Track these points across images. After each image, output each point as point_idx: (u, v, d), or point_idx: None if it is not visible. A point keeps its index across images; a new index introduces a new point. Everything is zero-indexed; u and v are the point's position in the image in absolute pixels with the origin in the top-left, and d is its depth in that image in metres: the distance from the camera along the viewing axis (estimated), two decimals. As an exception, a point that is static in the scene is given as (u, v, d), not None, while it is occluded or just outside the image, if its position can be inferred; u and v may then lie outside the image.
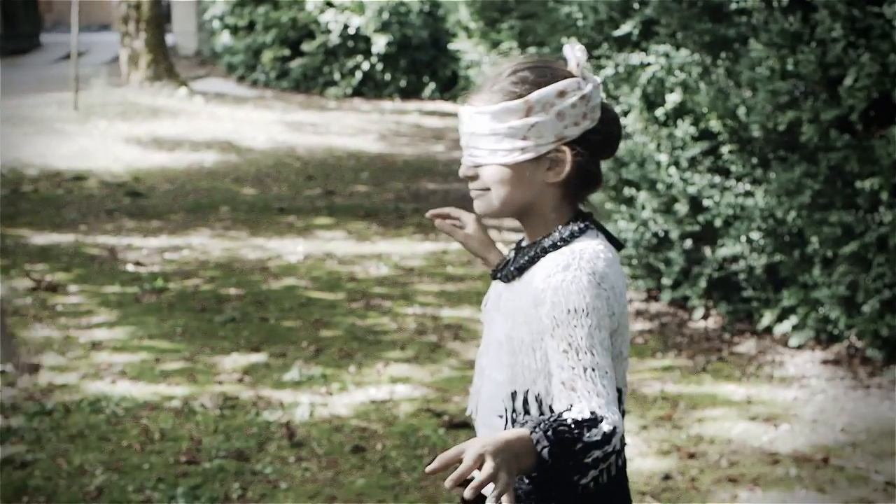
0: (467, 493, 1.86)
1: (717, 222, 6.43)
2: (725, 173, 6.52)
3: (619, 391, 2.17)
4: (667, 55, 6.51)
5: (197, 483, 4.70)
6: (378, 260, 8.44)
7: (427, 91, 20.22)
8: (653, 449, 5.10)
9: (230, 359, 6.18)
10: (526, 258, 2.20)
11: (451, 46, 12.06)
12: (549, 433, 1.92)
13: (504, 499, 1.85)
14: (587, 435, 1.94)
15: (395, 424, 5.35)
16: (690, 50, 6.38)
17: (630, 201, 7.19)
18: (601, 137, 2.14)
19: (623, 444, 2.07)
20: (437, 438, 5.18)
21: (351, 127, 15.76)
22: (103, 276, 7.79)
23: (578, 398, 2.01)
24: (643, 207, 7.03)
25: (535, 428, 1.92)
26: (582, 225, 2.15)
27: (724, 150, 6.50)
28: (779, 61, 5.81)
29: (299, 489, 4.68)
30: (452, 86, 20.80)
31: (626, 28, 6.73)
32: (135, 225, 9.42)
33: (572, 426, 1.94)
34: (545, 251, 2.15)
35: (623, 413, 2.20)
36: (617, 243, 2.21)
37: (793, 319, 6.42)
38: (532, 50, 9.88)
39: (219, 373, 5.98)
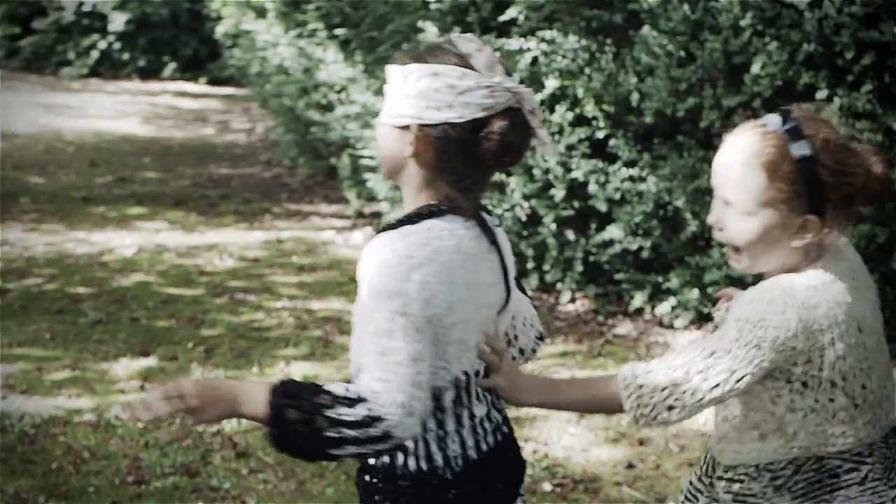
0: (138, 412, 2.02)
1: (603, 207, 6.48)
2: (610, 159, 6.59)
3: (468, 375, 2.14)
4: (551, 41, 6.50)
5: (158, 504, 4.36)
6: (217, 251, 8.08)
7: (168, 71, 19.57)
8: (601, 437, 5.10)
9: (120, 365, 5.77)
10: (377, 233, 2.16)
11: (245, 27, 11.63)
12: (290, 393, 1.96)
13: (185, 423, 2.01)
14: (340, 411, 1.93)
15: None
16: (579, 36, 6.39)
17: (502, 187, 7.16)
18: (464, 136, 2.06)
19: (406, 435, 1.99)
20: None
21: (109, 109, 15.05)
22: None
23: (361, 378, 1.99)
24: (512, 192, 7.01)
25: (283, 383, 1.99)
26: (433, 208, 2.09)
27: (601, 134, 6.57)
28: (679, 48, 5.90)
29: None
30: (195, 66, 20.20)
31: (511, 13, 6.68)
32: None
33: (327, 397, 1.95)
34: (385, 228, 2.09)
35: (471, 397, 2.16)
36: (490, 232, 2.18)
37: (671, 300, 6.57)
38: (340, 31, 9.71)
39: (115, 380, 5.57)
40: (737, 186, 2.28)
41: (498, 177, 7.09)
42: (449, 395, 2.10)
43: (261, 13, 11.58)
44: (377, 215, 9.27)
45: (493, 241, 2.18)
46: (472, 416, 2.14)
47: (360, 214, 9.41)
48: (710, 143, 6.03)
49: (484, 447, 2.15)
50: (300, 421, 1.95)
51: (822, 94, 5.54)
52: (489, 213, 2.26)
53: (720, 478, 2.50)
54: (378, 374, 1.96)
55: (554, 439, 5.06)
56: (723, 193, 2.32)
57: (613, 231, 6.57)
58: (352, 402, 1.94)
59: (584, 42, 6.41)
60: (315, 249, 8.31)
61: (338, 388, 1.96)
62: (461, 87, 2.04)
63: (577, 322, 6.83)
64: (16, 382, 5.48)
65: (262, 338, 6.26)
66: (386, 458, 2.10)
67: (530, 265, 7.22)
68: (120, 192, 9.99)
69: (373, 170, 8.72)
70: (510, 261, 2.27)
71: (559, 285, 7.10)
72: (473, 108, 2.04)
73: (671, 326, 6.70)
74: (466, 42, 2.10)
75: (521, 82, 6.67)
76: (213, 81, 19.70)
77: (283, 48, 10.93)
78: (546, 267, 7.02)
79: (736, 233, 2.31)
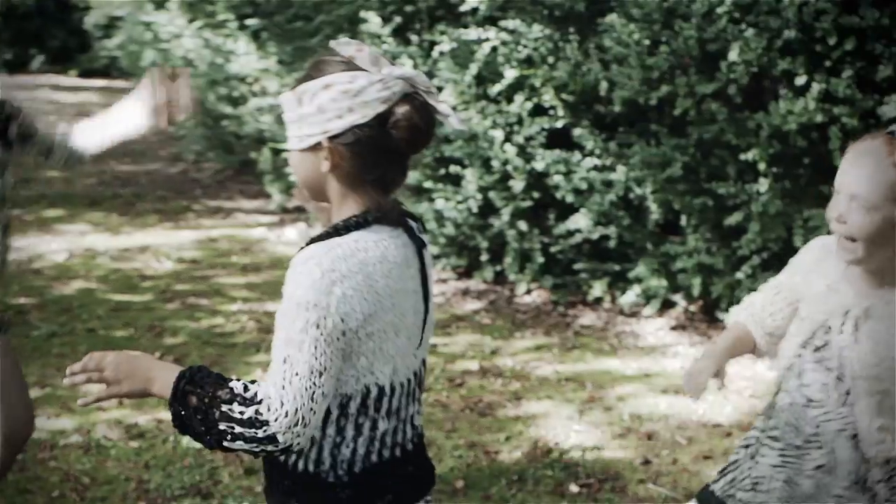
0: (66, 380, 2.14)
1: (570, 198, 6.41)
2: (571, 148, 6.52)
3: (381, 389, 2.16)
4: (512, 31, 6.39)
5: (183, 529, 4.15)
6: (152, 253, 7.78)
7: (36, 63, 18.89)
8: (607, 434, 5.04)
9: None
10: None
11: (148, 17, 11.21)
12: (195, 380, 2.07)
13: (99, 393, 2.13)
14: (233, 407, 2.04)
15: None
16: (543, 25, 6.30)
17: (455, 179, 7.04)
18: (374, 133, 2.10)
19: (292, 442, 2.06)
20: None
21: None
22: None
23: (264, 381, 2.07)
24: (468, 185, 6.90)
25: (192, 370, 2.09)
26: (360, 219, 2.13)
27: (561, 124, 6.51)
28: (652, 36, 5.86)
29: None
30: (64, 58, 19.55)
31: (472, 2, 6.54)
32: None
33: (226, 392, 2.06)
34: (312, 240, 2.13)
35: (379, 411, 2.17)
36: (417, 241, 2.21)
37: (636, 289, 6.55)
38: (253, 22, 9.46)
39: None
40: (868, 182, 2.58)
41: (453, 169, 6.97)
42: (354, 404, 2.13)
43: (160, 4, 11.22)
44: (301, 209, 9.06)
45: (420, 250, 2.21)
46: (373, 428, 2.17)
47: (284, 209, 9.18)
48: (682, 132, 6.01)
49: (374, 459, 2.18)
50: (199, 409, 2.06)
51: (800, 80, 5.56)
52: (416, 220, 2.28)
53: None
54: (277, 380, 2.04)
55: (561, 437, 4.98)
56: (851, 189, 2.61)
57: (579, 221, 6.51)
58: (246, 401, 2.04)
59: (547, 31, 6.32)
60: (251, 248, 8.07)
61: (238, 386, 2.06)
62: (355, 89, 2.08)
63: (539, 314, 6.76)
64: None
65: (228, 344, 6.03)
66: (282, 457, 2.16)
67: (484, 257, 7.12)
68: (28, 194, 9.55)
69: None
70: (431, 274, 2.27)
71: (513, 276, 7.02)
72: (373, 105, 2.09)
73: (633, 315, 6.69)
74: (346, 46, 2.13)
75: (480, 73, 6.59)
76: (85, 73, 19.09)
77: (187, 39, 10.60)
78: (507, 259, 6.92)
79: (859, 224, 2.60)
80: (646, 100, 5.95)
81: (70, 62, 19.07)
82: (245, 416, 2.04)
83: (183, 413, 2.08)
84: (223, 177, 10.62)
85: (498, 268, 7.18)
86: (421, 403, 2.29)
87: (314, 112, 2.10)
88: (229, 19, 9.79)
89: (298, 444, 2.07)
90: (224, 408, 2.05)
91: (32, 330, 6.14)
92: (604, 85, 6.13)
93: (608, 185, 6.35)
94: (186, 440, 4.82)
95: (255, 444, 2.05)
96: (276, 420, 2.03)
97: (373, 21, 7.24)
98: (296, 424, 2.03)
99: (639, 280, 6.57)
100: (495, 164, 6.70)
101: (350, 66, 2.11)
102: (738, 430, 5.09)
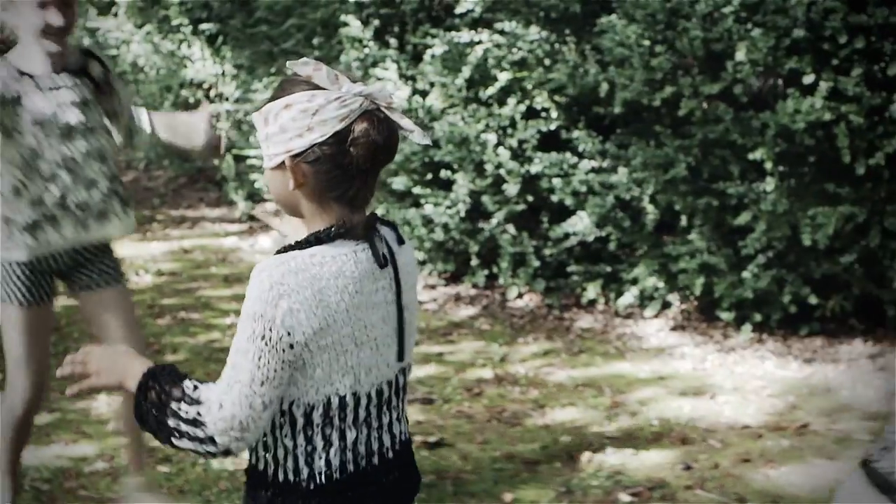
0: (59, 371, 2.27)
1: (569, 201, 6.37)
2: (565, 150, 6.48)
3: (342, 399, 2.19)
4: (508, 33, 6.33)
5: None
6: (126, 266, 7.56)
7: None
8: (640, 440, 5.00)
9: (101, 402, 5.30)
10: None
11: (92, 23, 10.91)
12: (157, 376, 2.18)
13: (80, 384, 2.25)
14: (181, 406, 2.14)
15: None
16: (539, 27, 6.24)
17: (445, 184, 6.95)
18: (334, 151, 2.14)
19: (231, 446, 2.14)
20: (428, 455, 4.76)
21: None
22: None
23: (217, 383, 2.16)
24: (458, 189, 6.82)
25: (157, 367, 2.21)
26: (322, 234, 2.18)
27: (554, 126, 6.47)
28: (654, 36, 5.84)
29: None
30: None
31: (466, 5, 6.46)
32: None
33: (178, 391, 2.16)
34: (278, 252, 2.20)
35: (345, 420, 2.20)
36: (378, 258, 2.22)
37: (633, 290, 6.53)
38: (208, 26, 9.28)
39: (104, 419, 5.12)
40: None
41: (444, 174, 6.89)
42: (317, 414, 2.17)
43: (103, 9, 10.93)
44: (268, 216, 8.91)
45: (388, 261, 2.23)
46: (342, 438, 2.20)
47: (250, 217, 9.02)
48: (685, 133, 6.00)
49: (351, 468, 2.21)
50: (154, 404, 2.16)
51: (808, 79, 5.58)
52: (394, 228, 2.31)
53: None
54: (223, 385, 2.12)
55: (595, 445, 4.93)
56: None
57: (577, 224, 6.47)
58: (192, 401, 2.13)
59: (543, 33, 6.27)
60: (228, 258, 7.90)
61: (189, 385, 2.16)
62: (313, 107, 2.12)
63: (535, 318, 6.72)
64: (-6, 432, 4.95)
65: (230, 359, 5.88)
66: (260, 467, 2.21)
67: (475, 262, 7.05)
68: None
69: (258, 169, 8.38)
70: (409, 280, 2.30)
71: (505, 280, 6.95)
72: (332, 123, 2.12)
73: (629, 317, 6.66)
74: (303, 66, 2.17)
75: (471, 76, 6.52)
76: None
77: (136, 45, 10.35)
78: (503, 263, 6.84)
79: None
80: (649, 101, 5.93)
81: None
82: (189, 416, 2.13)
83: (143, 407, 2.18)
84: (177, 185, 10.40)
85: (487, 272, 7.10)
86: (401, 411, 2.30)
87: (277, 131, 2.15)
88: (183, 24, 9.59)
89: (239, 447, 2.14)
90: (173, 405, 2.14)
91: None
92: (604, 87, 6.09)
93: (607, 187, 6.31)
94: (216, 463, 4.68)
95: (197, 444, 2.13)
96: (213, 423, 2.11)
97: (353, 24, 7.13)
98: (232, 429, 2.11)
99: (635, 281, 6.55)
100: (488, 167, 6.63)
101: (310, 85, 2.15)
102: (767, 430, 5.09)
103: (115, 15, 10.78)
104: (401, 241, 2.30)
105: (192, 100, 9.63)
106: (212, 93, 9.59)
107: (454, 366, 5.89)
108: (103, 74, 3.84)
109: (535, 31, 6.26)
